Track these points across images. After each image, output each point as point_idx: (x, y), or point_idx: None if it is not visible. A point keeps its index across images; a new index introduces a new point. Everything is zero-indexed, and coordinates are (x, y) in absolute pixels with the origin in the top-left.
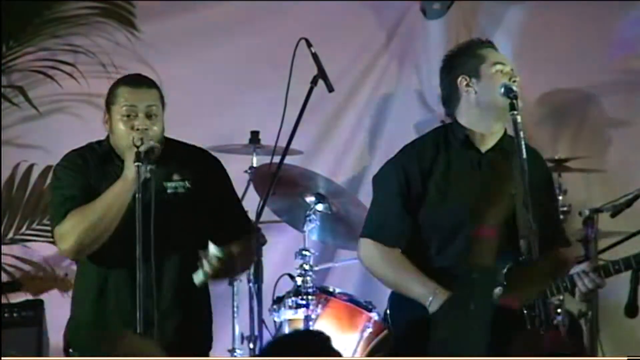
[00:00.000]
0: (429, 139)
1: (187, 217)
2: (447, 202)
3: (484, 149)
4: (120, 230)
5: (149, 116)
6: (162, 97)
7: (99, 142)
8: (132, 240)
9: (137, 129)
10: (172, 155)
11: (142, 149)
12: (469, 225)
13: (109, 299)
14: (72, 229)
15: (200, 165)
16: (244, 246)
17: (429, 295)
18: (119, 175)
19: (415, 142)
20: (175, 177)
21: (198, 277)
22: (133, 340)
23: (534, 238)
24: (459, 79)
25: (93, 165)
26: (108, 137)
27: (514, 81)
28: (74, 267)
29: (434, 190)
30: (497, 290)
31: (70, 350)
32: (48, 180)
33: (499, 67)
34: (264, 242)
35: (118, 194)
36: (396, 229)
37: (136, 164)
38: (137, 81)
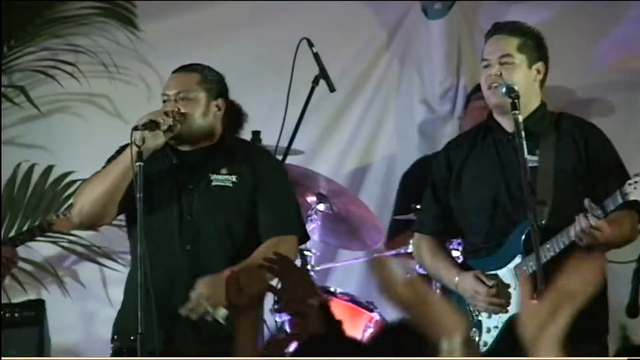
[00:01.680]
0: (467, 131)
1: (230, 211)
2: (470, 185)
3: (511, 128)
4: (159, 219)
5: (180, 99)
6: (206, 81)
7: None
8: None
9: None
10: (225, 149)
11: (140, 122)
12: (491, 206)
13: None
14: (78, 194)
15: (253, 162)
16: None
17: (454, 278)
18: (166, 161)
19: (457, 136)
20: (223, 171)
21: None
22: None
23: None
24: None
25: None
26: None
27: (488, 75)
28: (75, 267)
29: (457, 175)
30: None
31: (115, 337)
32: (49, 180)
33: (482, 63)
34: None
35: (118, 161)
36: (428, 218)
37: (137, 163)
38: (179, 68)
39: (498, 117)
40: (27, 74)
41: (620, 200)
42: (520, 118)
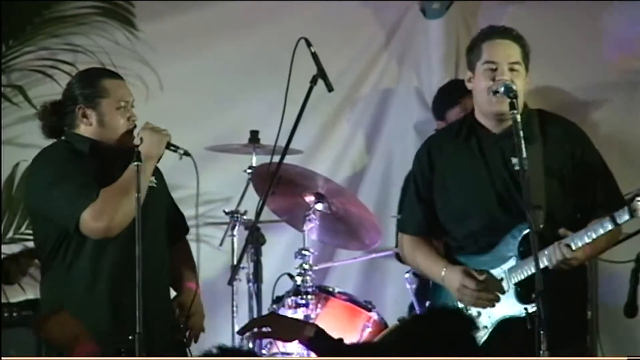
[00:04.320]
0: (446, 128)
1: (159, 210)
2: (456, 185)
3: (496, 130)
4: None
5: (131, 107)
6: None
7: (67, 141)
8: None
9: (133, 119)
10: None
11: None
12: (478, 206)
13: (100, 290)
14: (106, 206)
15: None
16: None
17: (441, 272)
18: (128, 163)
19: (434, 133)
20: None
21: None
22: (64, 319)
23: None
24: (467, 72)
25: (88, 159)
26: (73, 132)
27: (498, 80)
28: None
29: (440, 175)
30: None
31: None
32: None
33: (487, 66)
34: (264, 241)
35: (142, 171)
36: (413, 219)
37: (136, 163)
38: (113, 73)
39: (482, 119)
40: (25, 74)
41: (626, 217)
42: (519, 118)
